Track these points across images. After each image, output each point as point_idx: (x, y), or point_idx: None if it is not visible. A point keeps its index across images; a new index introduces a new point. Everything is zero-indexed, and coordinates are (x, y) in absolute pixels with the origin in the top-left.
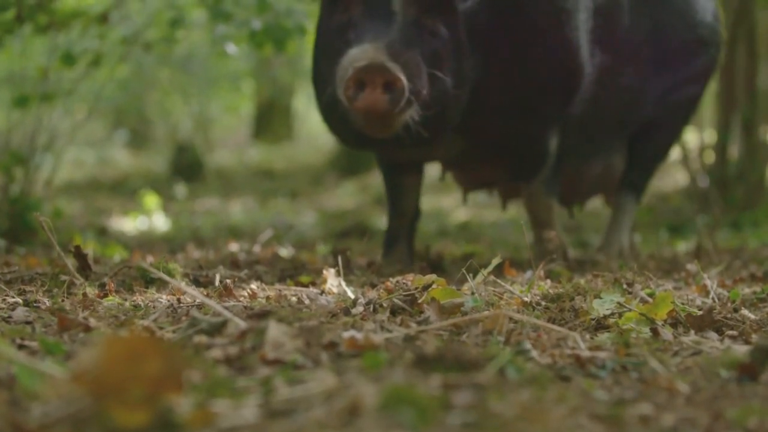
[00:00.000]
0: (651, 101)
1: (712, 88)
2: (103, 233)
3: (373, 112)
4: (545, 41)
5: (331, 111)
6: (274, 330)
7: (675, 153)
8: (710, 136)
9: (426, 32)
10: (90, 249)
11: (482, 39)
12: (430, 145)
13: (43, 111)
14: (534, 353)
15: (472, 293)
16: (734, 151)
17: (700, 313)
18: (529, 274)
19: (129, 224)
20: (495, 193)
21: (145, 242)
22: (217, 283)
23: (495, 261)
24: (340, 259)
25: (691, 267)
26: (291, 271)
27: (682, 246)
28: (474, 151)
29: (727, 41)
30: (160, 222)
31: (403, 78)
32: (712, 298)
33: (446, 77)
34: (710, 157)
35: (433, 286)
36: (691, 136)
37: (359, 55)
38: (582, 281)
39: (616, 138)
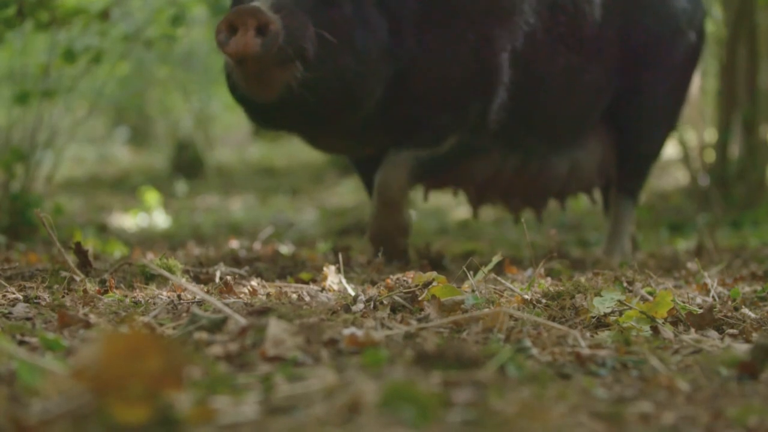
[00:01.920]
0: (625, 97)
1: (712, 87)
2: (103, 230)
3: (244, 57)
4: (467, 39)
5: (228, 81)
6: (275, 327)
7: (675, 152)
8: (711, 135)
9: (319, 1)
10: (90, 246)
11: (409, 28)
12: (332, 125)
13: (44, 108)
14: (534, 351)
15: (473, 291)
16: (735, 150)
17: (701, 311)
18: (529, 272)
19: (129, 221)
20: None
21: (146, 239)
22: (217, 280)
23: (495, 259)
24: (340, 256)
25: (692, 266)
26: (291, 269)
27: (683, 245)
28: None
29: (728, 40)
30: (160, 219)
31: (278, 22)
32: (713, 297)
33: (343, 47)
34: (711, 156)
35: (434, 283)
36: (691, 135)
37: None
38: (582, 279)
39: (579, 134)
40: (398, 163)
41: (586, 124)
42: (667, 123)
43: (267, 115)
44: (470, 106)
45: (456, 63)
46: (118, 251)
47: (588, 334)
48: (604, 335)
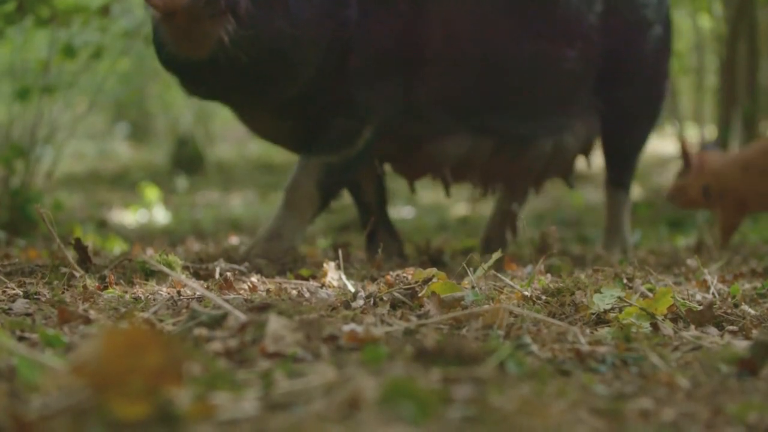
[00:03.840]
0: (605, 87)
1: (712, 84)
2: (103, 226)
3: (172, 9)
4: (400, 10)
5: (154, 40)
6: (275, 323)
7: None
8: (711, 131)
9: None
10: (90, 241)
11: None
12: (267, 95)
13: (44, 103)
14: (534, 347)
15: (473, 287)
16: (735, 146)
17: (701, 308)
18: (529, 268)
19: (129, 217)
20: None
21: (146, 235)
22: (217, 276)
23: (495, 255)
24: (340, 252)
25: (692, 262)
26: (291, 265)
27: (682, 241)
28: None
29: (728, 37)
30: (160, 215)
31: None
32: (713, 294)
33: (277, 7)
34: None
35: (434, 280)
36: (692, 132)
37: None
38: (582, 276)
39: (563, 117)
40: (309, 169)
41: (570, 108)
42: (647, 115)
43: (197, 76)
44: (395, 83)
45: (388, 35)
46: (118, 247)
47: (588, 330)
48: (603, 332)
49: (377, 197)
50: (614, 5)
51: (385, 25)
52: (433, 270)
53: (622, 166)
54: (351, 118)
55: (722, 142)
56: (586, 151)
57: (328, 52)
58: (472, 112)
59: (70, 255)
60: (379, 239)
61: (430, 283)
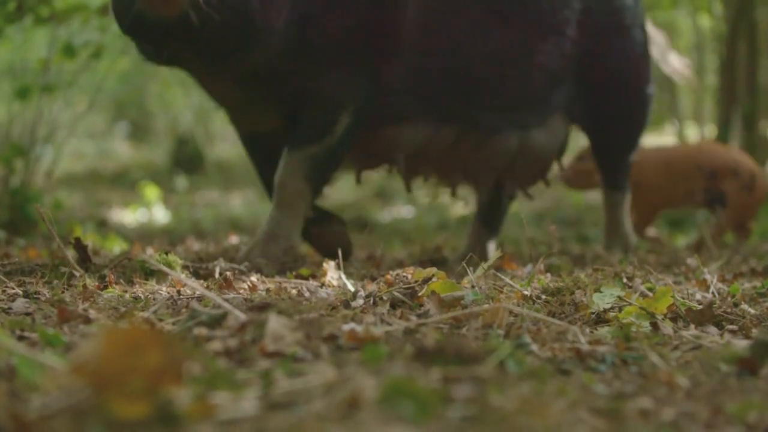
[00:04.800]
0: (585, 89)
1: (712, 83)
2: (103, 225)
3: None
4: None
5: (119, 2)
6: (274, 322)
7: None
8: (710, 131)
9: None
10: (90, 241)
11: None
12: (231, 60)
13: (44, 103)
14: (534, 347)
15: (473, 287)
16: (735, 146)
17: (700, 307)
18: (529, 267)
19: (129, 216)
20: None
21: (146, 234)
22: (217, 275)
23: (495, 255)
24: (339, 252)
25: (691, 261)
26: (291, 264)
27: (682, 240)
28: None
29: (728, 36)
30: (160, 214)
31: None
32: (712, 293)
33: None
34: None
35: (434, 279)
36: (691, 132)
37: None
38: (582, 275)
39: (532, 114)
40: (294, 164)
41: (540, 106)
42: (632, 120)
43: (165, 37)
44: (367, 65)
45: (351, 12)
46: (117, 247)
47: (588, 330)
48: (603, 331)
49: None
50: (590, 7)
51: (349, 3)
52: (433, 269)
53: (613, 168)
54: (324, 105)
55: (722, 140)
56: (559, 154)
57: (290, 24)
58: (433, 97)
59: (70, 254)
60: (311, 232)
61: (429, 282)
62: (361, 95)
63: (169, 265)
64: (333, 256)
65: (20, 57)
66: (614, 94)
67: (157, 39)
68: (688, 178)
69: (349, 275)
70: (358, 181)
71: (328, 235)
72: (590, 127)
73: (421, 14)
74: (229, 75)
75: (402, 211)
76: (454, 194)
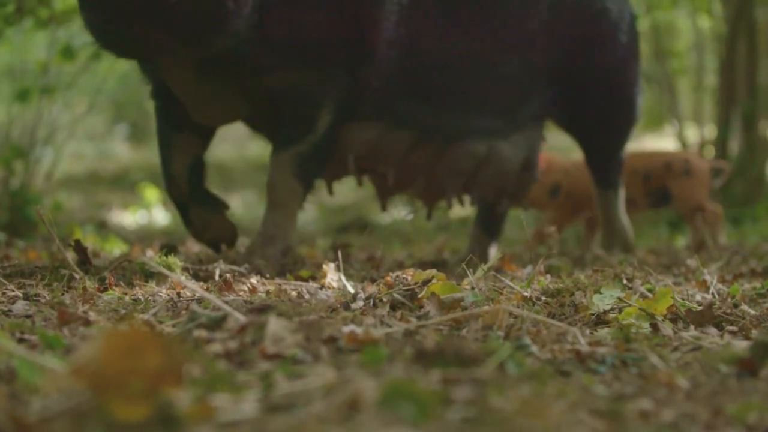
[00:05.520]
0: (565, 96)
1: (712, 83)
2: (103, 227)
3: None
4: None
5: None
6: (274, 324)
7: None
8: (710, 131)
9: None
10: (90, 243)
11: None
12: (194, 45)
13: (44, 104)
14: (534, 348)
15: (472, 288)
16: (734, 146)
17: (700, 308)
18: (529, 269)
19: (129, 218)
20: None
21: (145, 236)
22: (217, 277)
23: (495, 256)
24: (339, 253)
25: (691, 262)
26: (291, 266)
27: (682, 241)
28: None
29: (727, 37)
30: (160, 216)
31: None
32: (712, 294)
33: None
34: (710, 153)
35: (433, 281)
36: (691, 132)
37: None
38: (582, 276)
39: (499, 123)
40: (282, 163)
41: (509, 115)
42: (618, 122)
43: (130, 19)
44: (340, 65)
45: (320, 7)
46: (117, 249)
47: (588, 331)
48: (603, 332)
49: (189, 171)
50: (563, 16)
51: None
52: (433, 271)
53: (604, 168)
54: (303, 103)
55: (722, 141)
56: (528, 164)
57: (254, 11)
58: (389, 99)
59: (70, 256)
60: (191, 218)
61: (429, 284)
62: (339, 90)
63: (169, 268)
64: (213, 245)
65: (20, 59)
66: (598, 99)
67: (132, 20)
68: (627, 187)
69: (349, 277)
70: (330, 192)
71: (209, 218)
72: (576, 132)
73: (377, 14)
74: (196, 63)
75: (402, 212)
76: (429, 215)
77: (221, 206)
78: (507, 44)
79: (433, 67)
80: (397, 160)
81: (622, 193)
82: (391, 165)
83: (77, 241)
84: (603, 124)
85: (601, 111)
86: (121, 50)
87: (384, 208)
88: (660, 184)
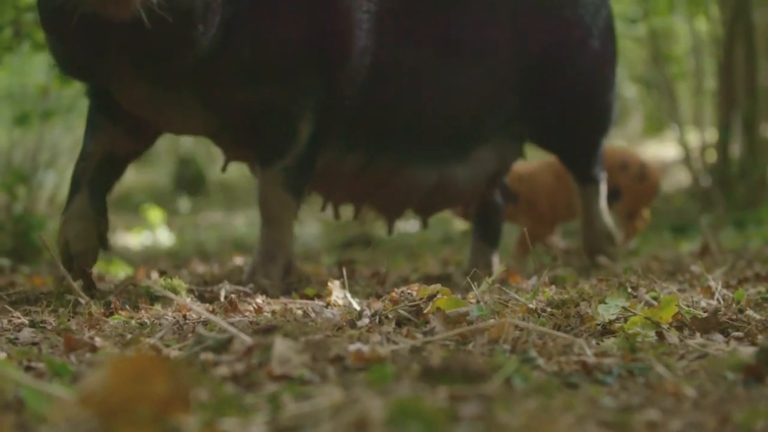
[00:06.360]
0: (532, 107)
1: (711, 87)
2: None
3: None
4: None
5: (53, 6)
6: (281, 345)
7: (676, 153)
8: (711, 135)
9: None
10: (94, 267)
11: None
12: (163, 63)
13: (45, 128)
14: (540, 361)
15: (478, 302)
16: (736, 149)
17: (705, 315)
18: (533, 280)
19: (133, 239)
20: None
21: (150, 257)
22: (222, 298)
23: (499, 269)
24: (344, 271)
25: (696, 268)
26: (296, 284)
27: (686, 247)
28: (221, 120)
29: (725, 39)
30: (164, 236)
31: None
32: (717, 300)
33: None
34: (712, 156)
35: (438, 295)
36: (692, 136)
37: None
38: (587, 287)
39: (457, 145)
40: (270, 180)
41: (468, 135)
42: (592, 128)
43: (111, 40)
44: (314, 74)
45: (289, 22)
46: (122, 271)
47: (594, 341)
48: (609, 342)
49: (106, 159)
50: (529, 27)
51: (270, 14)
52: (438, 286)
53: (582, 167)
54: (281, 117)
55: (723, 144)
56: (495, 179)
57: (220, 28)
58: (343, 122)
59: (75, 282)
60: (74, 201)
61: (435, 299)
62: (316, 100)
63: (174, 290)
64: (71, 260)
65: (19, 83)
66: (570, 109)
67: (104, 42)
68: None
69: (354, 293)
70: (336, 217)
71: (86, 223)
72: (549, 144)
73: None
74: (158, 79)
75: (407, 225)
76: (390, 230)
77: (104, 219)
78: (469, 57)
79: (386, 85)
80: (342, 186)
81: (604, 188)
82: (336, 191)
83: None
84: (578, 135)
85: (575, 123)
86: (86, 76)
87: (336, 216)
88: (613, 183)
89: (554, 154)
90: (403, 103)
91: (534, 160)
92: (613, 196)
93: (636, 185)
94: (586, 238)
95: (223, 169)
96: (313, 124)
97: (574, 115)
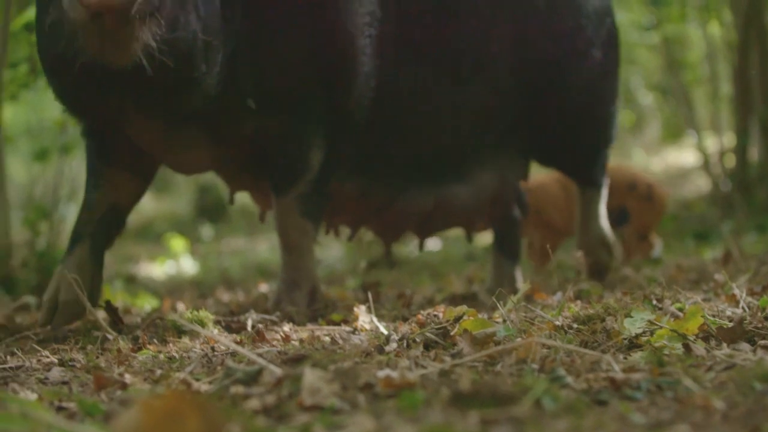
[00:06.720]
0: (531, 122)
1: (727, 92)
2: (131, 281)
3: (108, 7)
4: (304, 20)
5: (54, 42)
6: (310, 375)
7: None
8: (729, 139)
9: None
10: (120, 300)
11: (237, 1)
12: (168, 104)
13: (64, 162)
14: (569, 379)
15: (504, 321)
16: (754, 153)
17: (731, 324)
18: (558, 295)
19: (157, 269)
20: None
21: (175, 287)
22: (249, 327)
23: (524, 287)
24: (370, 295)
25: (719, 276)
26: (322, 310)
27: (709, 254)
28: (225, 151)
29: (739, 44)
30: (188, 265)
31: None
32: (742, 308)
33: (189, 7)
34: (731, 161)
35: (465, 317)
36: (710, 141)
37: None
38: (612, 300)
39: (453, 166)
40: (286, 208)
41: (464, 157)
42: (596, 138)
43: (114, 87)
44: (320, 101)
45: (293, 49)
46: (148, 304)
47: (621, 356)
48: (637, 356)
49: (108, 211)
50: (528, 39)
51: (275, 37)
52: (464, 308)
53: (585, 173)
54: (290, 147)
55: (741, 149)
56: (498, 198)
57: (224, 64)
58: (348, 144)
59: (101, 317)
60: (74, 252)
61: (461, 320)
62: (324, 125)
63: (201, 323)
64: (55, 308)
65: (36, 118)
66: (571, 122)
67: (106, 87)
68: None
69: (380, 317)
70: (262, 220)
71: (82, 276)
72: (549, 157)
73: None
74: (166, 119)
75: (429, 243)
76: (387, 253)
77: (99, 274)
78: (468, 73)
79: (389, 107)
80: (342, 210)
81: (605, 193)
82: (336, 215)
83: (108, 302)
84: (575, 147)
85: (574, 133)
86: (91, 119)
87: (336, 234)
88: (621, 204)
89: (556, 168)
90: (404, 124)
91: (543, 173)
92: (623, 217)
93: (644, 205)
94: (582, 241)
95: (231, 201)
96: (324, 149)
97: (576, 127)
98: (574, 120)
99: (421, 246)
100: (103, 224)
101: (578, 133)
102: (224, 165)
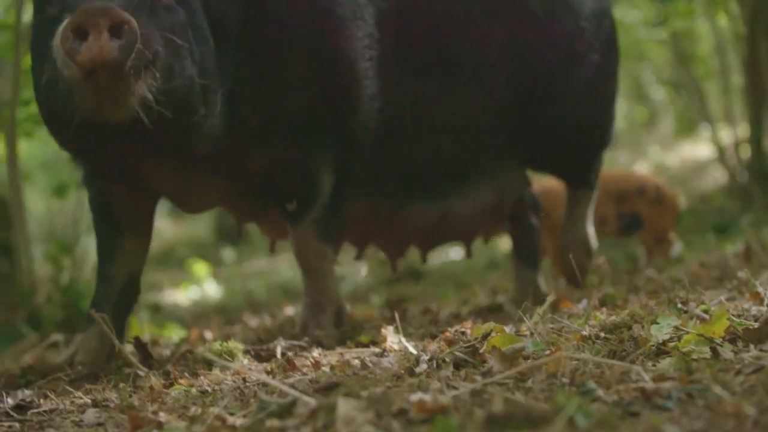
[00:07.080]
0: (528, 127)
1: (738, 83)
2: (157, 310)
3: (101, 64)
4: (305, 49)
5: (51, 99)
6: (344, 405)
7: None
8: (743, 130)
9: (158, 5)
10: (147, 332)
11: (232, 37)
12: (171, 153)
13: (83, 195)
14: (599, 392)
15: (531, 334)
16: None
17: (757, 325)
18: (584, 303)
19: (182, 296)
20: None
21: (201, 314)
22: (278, 355)
23: (549, 299)
24: (396, 315)
25: (742, 274)
26: (350, 332)
27: (730, 249)
28: (234, 185)
29: (747, 36)
30: (212, 289)
31: (133, 21)
32: (767, 306)
33: (185, 55)
34: (746, 152)
35: (492, 333)
36: (724, 133)
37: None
38: (637, 306)
39: (454, 179)
40: (303, 234)
41: (464, 168)
42: (593, 143)
43: (114, 142)
44: (326, 128)
45: (295, 80)
46: (175, 335)
47: (650, 363)
48: (665, 364)
49: (127, 276)
50: (525, 45)
51: (275, 71)
52: (492, 324)
53: (576, 171)
54: (300, 175)
55: (756, 140)
56: (499, 209)
57: (225, 104)
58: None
59: (131, 353)
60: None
61: (489, 337)
62: (332, 150)
63: (231, 354)
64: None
65: (53, 152)
66: (569, 125)
67: (108, 142)
68: (597, 204)
69: (408, 336)
70: (272, 250)
71: (92, 344)
72: (545, 162)
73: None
74: (176, 164)
75: (451, 253)
76: (393, 269)
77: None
78: (467, 84)
79: (393, 125)
80: (347, 230)
81: (594, 196)
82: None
83: (137, 338)
84: (572, 150)
85: (571, 137)
86: (101, 174)
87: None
88: (633, 209)
89: (548, 171)
90: (408, 140)
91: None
92: (636, 223)
93: (655, 208)
94: (565, 240)
95: (238, 234)
96: (333, 173)
97: (576, 130)
98: (574, 123)
99: (423, 259)
100: (123, 295)
101: (578, 135)
102: (233, 200)
